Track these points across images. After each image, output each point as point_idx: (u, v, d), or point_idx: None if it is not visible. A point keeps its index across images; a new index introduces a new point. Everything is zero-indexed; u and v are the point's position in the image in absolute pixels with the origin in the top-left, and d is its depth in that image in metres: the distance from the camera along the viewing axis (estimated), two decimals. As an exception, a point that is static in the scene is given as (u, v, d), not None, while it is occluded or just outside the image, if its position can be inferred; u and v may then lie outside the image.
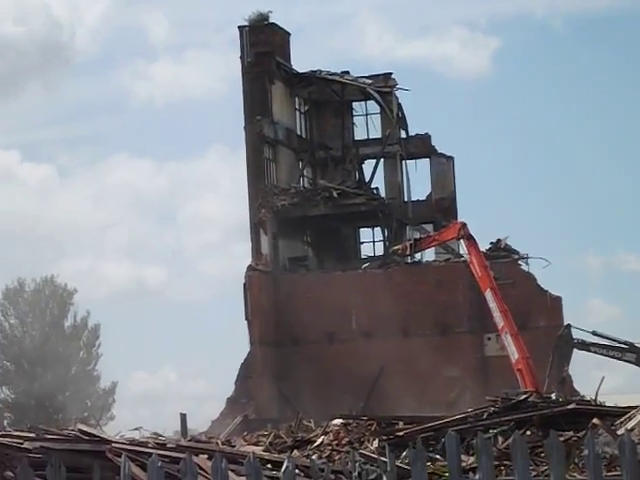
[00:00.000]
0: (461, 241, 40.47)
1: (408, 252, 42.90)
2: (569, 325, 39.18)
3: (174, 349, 79.82)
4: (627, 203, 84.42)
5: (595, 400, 27.86)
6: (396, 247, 44.24)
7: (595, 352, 38.54)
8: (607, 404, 21.38)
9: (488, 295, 39.35)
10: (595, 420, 15.61)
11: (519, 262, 48.92)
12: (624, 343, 38.59)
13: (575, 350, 38.73)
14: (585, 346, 38.54)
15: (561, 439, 13.85)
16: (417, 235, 43.46)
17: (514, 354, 38.96)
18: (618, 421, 16.18)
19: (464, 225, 40.37)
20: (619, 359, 38.51)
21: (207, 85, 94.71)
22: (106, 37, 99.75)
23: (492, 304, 39.25)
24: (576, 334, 38.78)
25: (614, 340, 38.72)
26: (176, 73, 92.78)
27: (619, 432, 14.74)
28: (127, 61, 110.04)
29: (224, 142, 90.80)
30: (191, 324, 75.16)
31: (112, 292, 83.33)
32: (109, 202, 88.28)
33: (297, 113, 54.29)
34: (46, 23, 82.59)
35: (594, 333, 38.71)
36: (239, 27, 51.83)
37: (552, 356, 38.85)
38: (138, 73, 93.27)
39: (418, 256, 51.24)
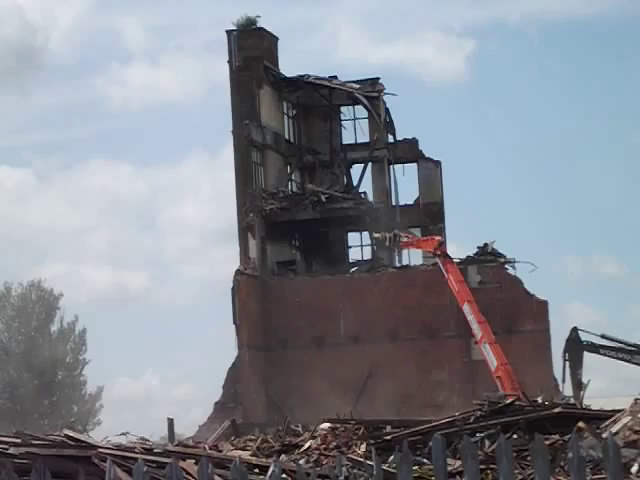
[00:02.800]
0: (436, 258, 41.85)
1: (387, 243, 44.75)
2: (575, 328, 39.27)
3: (158, 354, 79.62)
4: (608, 206, 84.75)
5: (581, 403, 28.00)
6: (377, 235, 46.13)
7: (604, 354, 38.70)
8: (593, 407, 21.43)
9: (466, 308, 40.85)
10: (580, 423, 15.67)
11: (506, 266, 49.05)
12: (633, 345, 38.71)
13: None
14: (595, 349, 38.69)
15: (547, 443, 13.90)
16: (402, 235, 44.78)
17: (493, 362, 39.99)
18: (603, 424, 16.26)
19: (441, 243, 41.79)
20: (628, 361, 38.64)
21: (183, 89, 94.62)
22: (80, 41, 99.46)
23: (470, 316, 40.89)
24: (583, 337, 38.97)
25: (622, 343, 38.83)
26: (152, 77, 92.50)
27: (604, 435, 14.80)
28: (102, 65, 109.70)
29: (204, 146, 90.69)
30: (175, 328, 75.00)
31: (93, 296, 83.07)
32: (87, 206, 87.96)
33: (285, 117, 54.31)
34: (20, 27, 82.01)
35: (603, 336, 38.83)
36: (227, 31, 51.80)
37: (563, 360, 39.06)
38: (113, 77, 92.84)
39: (405, 260, 51.58)
